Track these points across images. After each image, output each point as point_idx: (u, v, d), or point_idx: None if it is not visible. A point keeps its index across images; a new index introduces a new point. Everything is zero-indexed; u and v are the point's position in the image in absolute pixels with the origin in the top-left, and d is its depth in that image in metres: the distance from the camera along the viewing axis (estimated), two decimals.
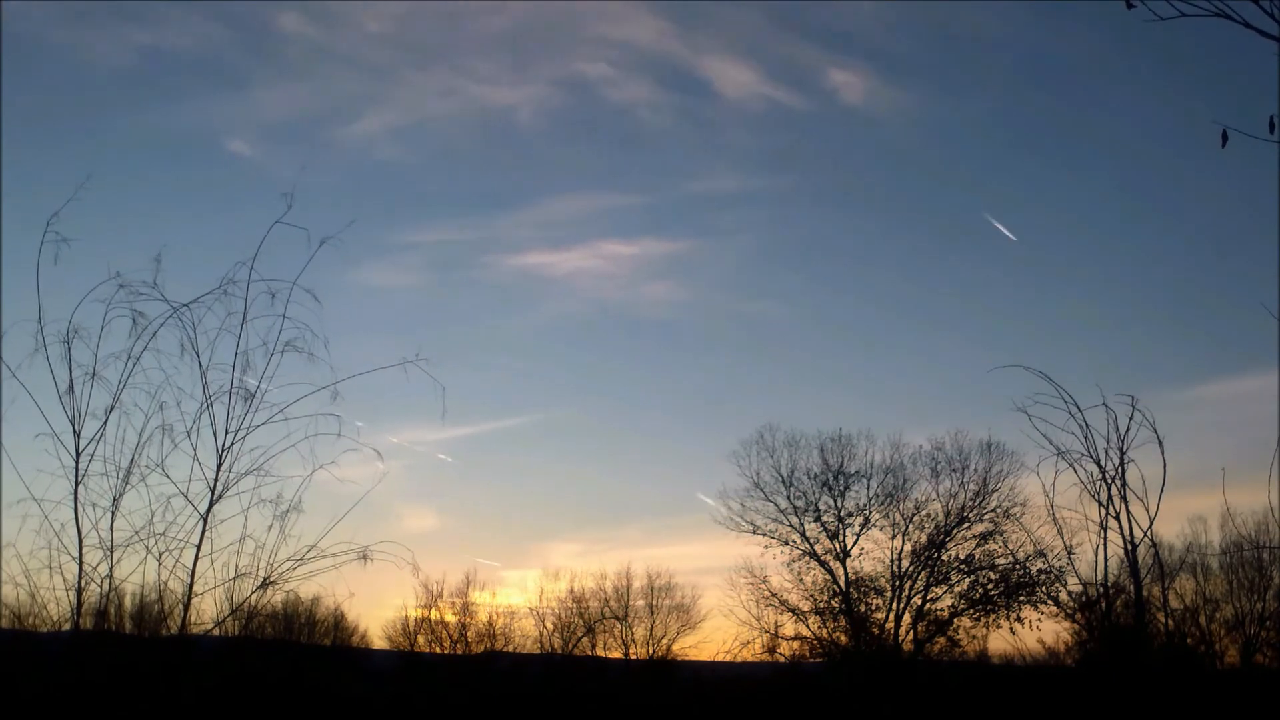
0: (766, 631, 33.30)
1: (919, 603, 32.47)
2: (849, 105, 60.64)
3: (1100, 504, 16.46)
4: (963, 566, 32.33)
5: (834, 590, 32.94)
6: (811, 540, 33.38)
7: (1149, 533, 16.34)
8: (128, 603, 9.47)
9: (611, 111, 62.25)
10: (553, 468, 61.95)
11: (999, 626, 31.45)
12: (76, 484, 8.35)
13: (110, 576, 8.46)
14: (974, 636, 32.37)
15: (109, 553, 8.42)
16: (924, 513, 33.06)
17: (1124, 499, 16.20)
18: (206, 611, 8.75)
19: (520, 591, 41.19)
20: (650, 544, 68.56)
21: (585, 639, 41.61)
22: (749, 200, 65.68)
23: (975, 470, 32.74)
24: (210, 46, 58.64)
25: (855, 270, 69.35)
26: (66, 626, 8.61)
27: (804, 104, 62.20)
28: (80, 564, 8.35)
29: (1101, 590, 18.15)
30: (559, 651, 41.31)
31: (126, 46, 56.53)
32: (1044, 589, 30.24)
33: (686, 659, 41.43)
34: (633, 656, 41.63)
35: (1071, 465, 16.55)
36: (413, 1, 59.36)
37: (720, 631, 62.59)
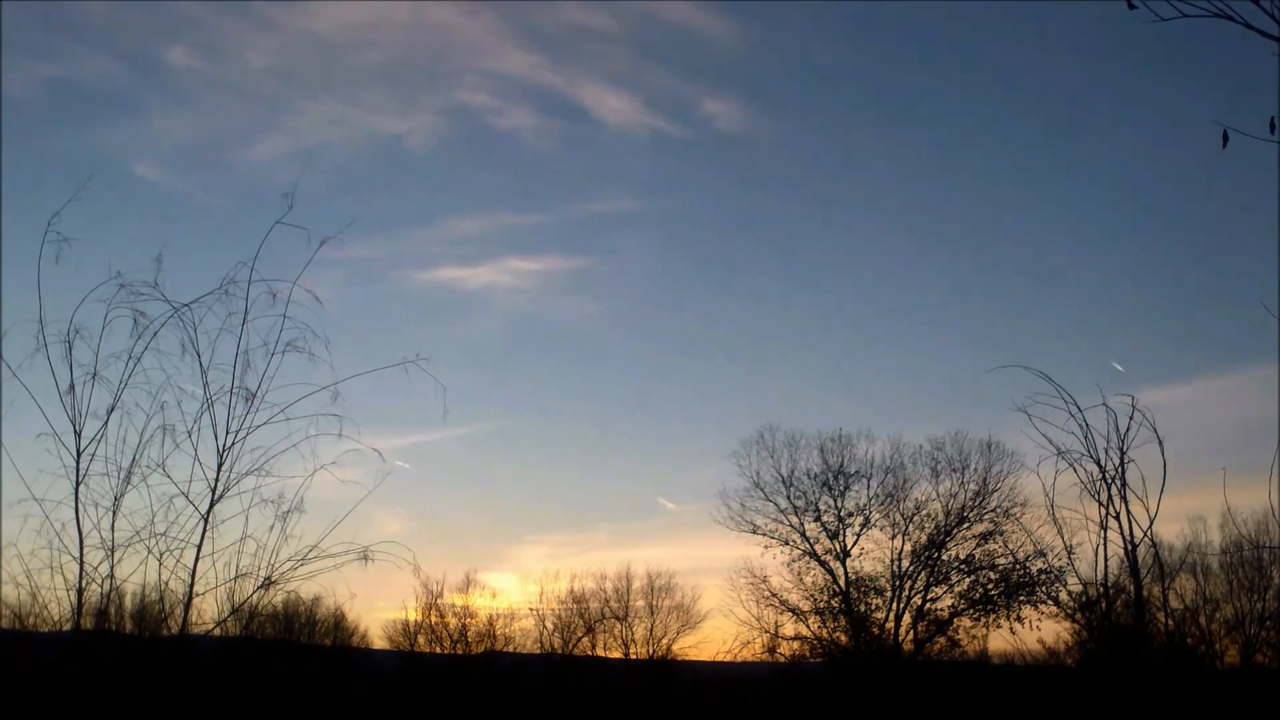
0: (766, 631, 33.34)
1: (919, 603, 32.49)
2: (726, 132, 63.38)
3: (1100, 504, 16.46)
4: (963, 566, 32.33)
5: (834, 590, 32.94)
6: (811, 540, 33.43)
7: (1149, 533, 16.35)
8: (128, 603, 9.49)
9: (499, 138, 64.89)
10: (507, 473, 63.66)
11: (999, 626, 31.50)
12: (77, 484, 8.35)
13: (111, 576, 8.46)
14: (974, 636, 32.41)
15: (110, 553, 8.42)
16: (924, 513, 33.09)
17: (1124, 499, 16.22)
18: (207, 611, 8.76)
19: (493, 595, 41.48)
20: (618, 546, 70.12)
21: (585, 639, 41.66)
22: (643, 218, 69.68)
23: (975, 470, 32.79)
24: (108, 78, 60.77)
25: (855, 270, 69.29)
26: (67, 626, 8.61)
27: (683, 131, 64.56)
28: (81, 564, 8.35)
29: (1101, 590, 18.16)
30: (559, 651, 41.33)
31: (35, 78, 58.44)
32: (1044, 589, 30.26)
33: (686, 659, 41.51)
34: (633, 656, 41.67)
35: (1071, 465, 16.57)
36: (289, 37, 61.19)
37: (720, 631, 62.75)
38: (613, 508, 62.15)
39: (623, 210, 68.67)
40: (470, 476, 61.18)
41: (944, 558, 32.51)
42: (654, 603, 41.77)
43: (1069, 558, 20.84)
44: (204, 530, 8.59)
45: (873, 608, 32.84)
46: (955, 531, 32.55)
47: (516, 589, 40.32)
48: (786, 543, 33.48)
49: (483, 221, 69.11)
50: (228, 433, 8.67)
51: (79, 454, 8.38)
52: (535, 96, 68.22)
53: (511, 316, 66.31)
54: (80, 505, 8.34)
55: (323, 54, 64.74)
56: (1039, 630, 30.79)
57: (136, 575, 8.59)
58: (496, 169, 65.52)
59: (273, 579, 8.73)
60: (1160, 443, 15.71)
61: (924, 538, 32.76)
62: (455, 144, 66.05)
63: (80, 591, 8.37)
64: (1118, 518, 16.35)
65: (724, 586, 36.16)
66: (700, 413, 66.10)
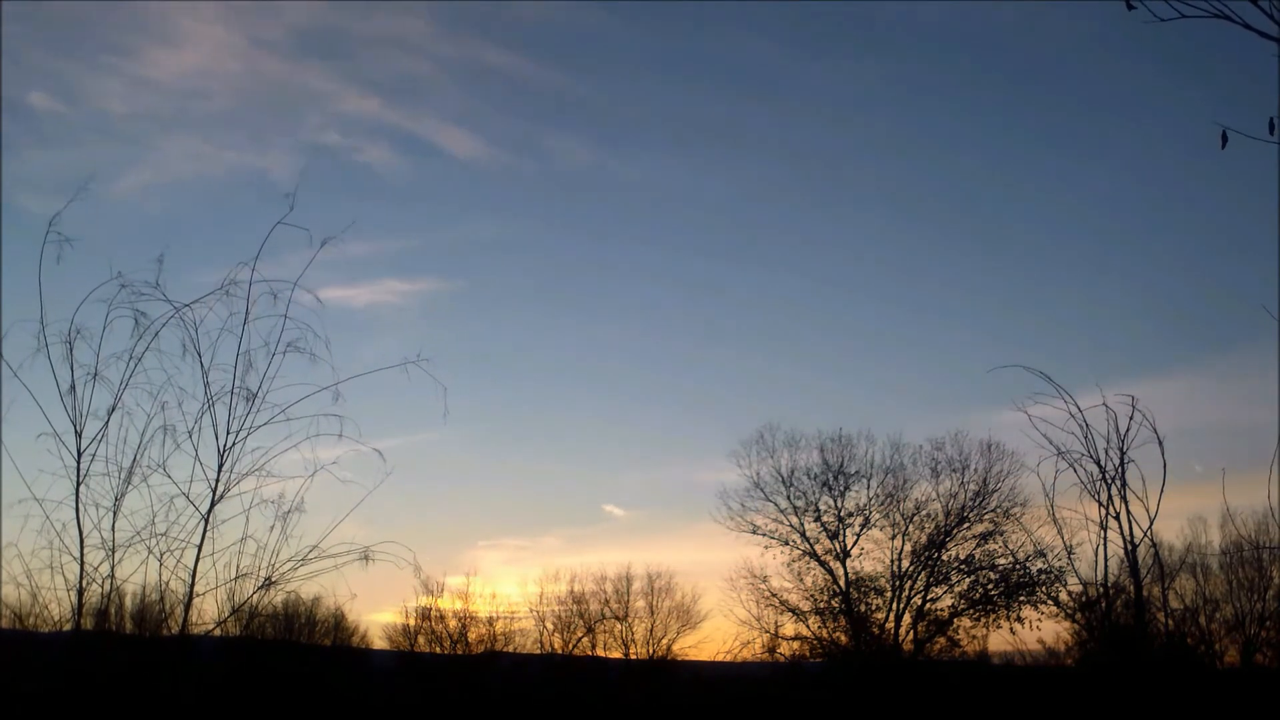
0: (766, 631, 33.35)
1: (919, 603, 32.49)
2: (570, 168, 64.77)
3: (1100, 504, 16.47)
4: (963, 566, 32.34)
5: (834, 590, 32.95)
6: (811, 540, 33.43)
7: (1149, 533, 16.36)
8: (129, 603, 9.50)
9: (357, 170, 67.34)
10: (455, 480, 64.34)
11: (999, 626, 31.50)
12: (78, 484, 8.36)
13: (112, 576, 8.47)
14: (974, 636, 32.41)
15: (110, 553, 8.43)
16: (924, 513, 33.09)
17: (1124, 499, 16.23)
18: (208, 612, 8.77)
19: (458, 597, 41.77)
20: (568, 552, 71.96)
21: (585, 639, 41.65)
22: (510, 243, 72.39)
23: (975, 470, 32.78)
24: None
25: (854, 270, 69.28)
26: (68, 626, 8.61)
27: (530, 166, 67.76)
28: (82, 564, 8.36)
29: (1101, 590, 18.16)
30: (559, 651, 41.33)
31: None
32: (1044, 589, 30.27)
33: (686, 659, 41.51)
34: (633, 656, 41.67)
35: (1071, 465, 16.58)
36: (135, 83, 64.27)
37: (720, 631, 62.85)
38: (563, 513, 62.89)
39: (490, 235, 71.41)
40: (419, 482, 61.40)
41: (944, 558, 32.53)
42: (654, 603, 41.81)
43: (1069, 558, 20.86)
44: (204, 530, 8.60)
45: (873, 608, 32.89)
46: (955, 531, 32.56)
47: (478, 591, 40.39)
48: (786, 543, 33.53)
49: (356, 246, 69.89)
50: (228, 433, 8.69)
51: (80, 454, 8.39)
52: (385, 134, 70.42)
53: (400, 336, 67.58)
54: (81, 505, 8.35)
55: (170, 99, 67.12)
56: (1039, 630, 30.85)
57: (137, 575, 8.61)
58: (364, 198, 66.27)
59: (273, 579, 8.74)
60: (1160, 442, 15.72)
61: (924, 538, 32.79)
62: (315, 176, 67.63)
63: (81, 591, 8.38)
64: (1118, 518, 16.36)
65: (692, 586, 36.21)
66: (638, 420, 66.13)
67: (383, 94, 72.02)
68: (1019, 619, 30.91)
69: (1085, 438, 16.47)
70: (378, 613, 47.03)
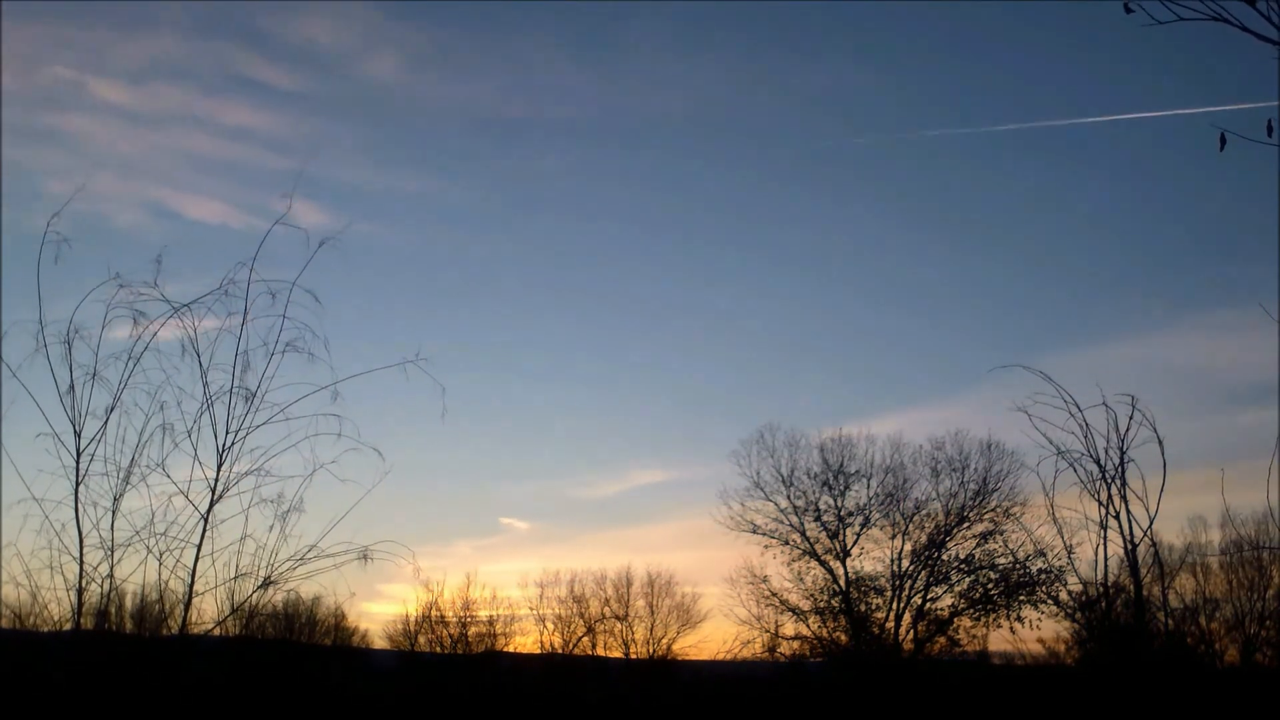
0: (767, 631, 33.36)
1: (919, 602, 32.49)
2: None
3: (1100, 504, 16.51)
4: (963, 566, 32.34)
5: (834, 590, 32.96)
6: (811, 540, 33.42)
7: (1149, 532, 16.39)
8: (128, 602, 9.51)
9: (111, 232, 64.95)
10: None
11: (999, 626, 31.48)
12: (77, 484, 8.37)
13: (111, 576, 8.49)
14: (974, 636, 32.39)
15: (110, 552, 8.44)
16: (924, 512, 33.08)
17: (1124, 499, 16.26)
18: (207, 611, 8.79)
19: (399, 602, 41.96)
20: (477, 561, 71.50)
21: (585, 639, 41.68)
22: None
23: (975, 470, 32.77)
24: None
25: (853, 270, 69.31)
26: (67, 626, 8.63)
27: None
28: (81, 564, 8.37)
29: (1101, 590, 18.19)
30: (559, 651, 41.36)
31: None
32: (1044, 589, 30.26)
33: (687, 659, 41.54)
34: (633, 656, 41.69)
35: (1071, 465, 16.62)
36: None
37: (720, 631, 62.97)
38: (466, 524, 63.01)
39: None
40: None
41: (944, 557, 32.53)
42: (654, 603, 41.84)
43: (1069, 557, 20.90)
44: (204, 530, 8.62)
45: (873, 607, 32.88)
46: (955, 531, 32.56)
47: (416, 596, 40.64)
48: (786, 542, 33.54)
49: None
50: (227, 432, 8.71)
51: (79, 454, 8.41)
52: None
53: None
54: (80, 505, 8.37)
55: None
56: (1039, 630, 30.84)
57: (136, 575, 8.63)
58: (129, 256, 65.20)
59: (272, 578, 8.76)
60: (1160, 442, 15.76)
61: (924, 537, 32.79)
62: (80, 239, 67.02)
63: (80, 591, 8.39)
64: (1117, 517, 16.40)
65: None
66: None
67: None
68: (1019, 619, 30.90)
69: (1085, 438, 16.51)
70: (377, 607, 47.17)
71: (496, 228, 71.28)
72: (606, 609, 41.55)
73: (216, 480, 8.62)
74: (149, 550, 8.54)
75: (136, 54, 57.99)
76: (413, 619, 41.43)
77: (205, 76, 63.06)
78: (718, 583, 67.69)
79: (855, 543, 33.07)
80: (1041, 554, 29.18)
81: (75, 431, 8.43)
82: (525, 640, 42.20)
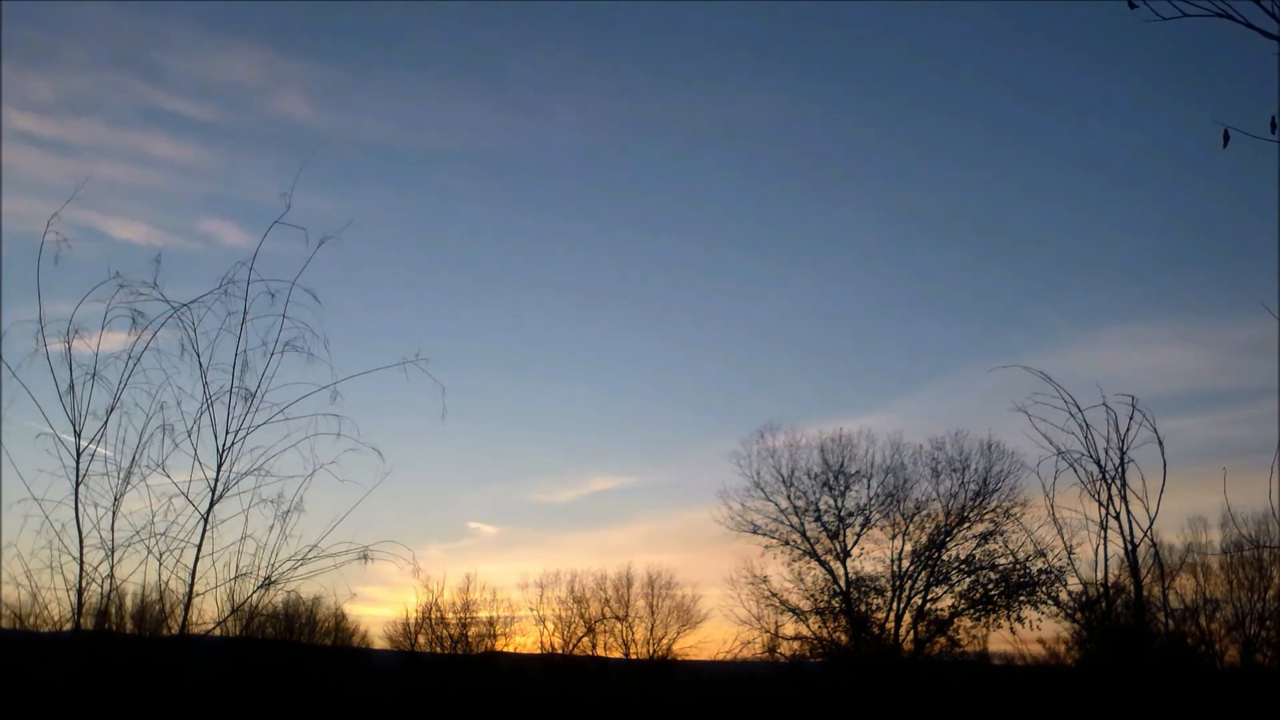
0: (766, 631, 33.35)
1: (919, 603, 32.48)
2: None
3: (1100, 504, 16.52)
4: (963, 566, 32.33)
5: (834, 590, 32.95)
6: (812, 540, 33.41)
7: (1149, 532, 16.39)
8: (129, 602, 9.50)
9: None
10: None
11: (999, 626, 31.47)
12: (77, 484, 8.36)
13: (111, 576, 8.47)
14: (974, 636, 32.37)
15: (110, 553, 8.43)
16: (924, 513, 33.05)
17: (1124, 499, 16.26)
18: (207, 611, 8.77)
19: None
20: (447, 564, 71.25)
21: (585, 639, 41.68)
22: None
23: (975, 470, 32.75)
24: None
25: (853, 269, 69.35)
26: (67, 626, 8.61)
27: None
28: (81, 564, 8.36)
29: (1101, 590, 18.19)
30: (559, 651, 41.36)
31: None
32: (1044, 589, 30.25)
33: (687, 659, 41.52)
34: (633, 656, 41.69)
35: (1071, 465, 16.63)
36: None
37: (720, 631, 63.00)
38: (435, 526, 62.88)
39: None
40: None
41: (944, 558, 32.52)
42: (654, 603, 41.83)
43: (1069, 558, 20.88)
44: (204, 530, 8.60)
45: (873, 608, 32.86)
46: (955, 531, 32.55)
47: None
48: (787, 543, 33.53)
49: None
50: (227, 432, 8.69)
51: (79, 454, 8.40)
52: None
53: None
54: (80, 505, 8.35)
55: None
56: (1039, 630, 30.85)
57: (136, 575, 8.62)
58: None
59: (273, 579, 8.75)
60: (1160, 442, 15.76)
61: (924, 538, 32.78)
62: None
63: (80, 591, 8.38)
64: (1117, 517, 16.40)
65: None
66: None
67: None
68: (1019, 619, 30.90)
69: (1085, 438, 16.52)
70: (377, 610, 47.14)
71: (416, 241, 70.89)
72: (606, 609, 41.59)
73: (216, 480, 8.62)
74: (149, 550, 8.54)
75: (43, 88, 58.09)
76: (412, 619, 41.49)
77: (115, 109, 63.03)
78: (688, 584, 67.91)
79: (855, 543, 33.09)
80: (1042, 554, 29.19)
81: (75, 431, 8.43)
82: (525, 640, 42.27)
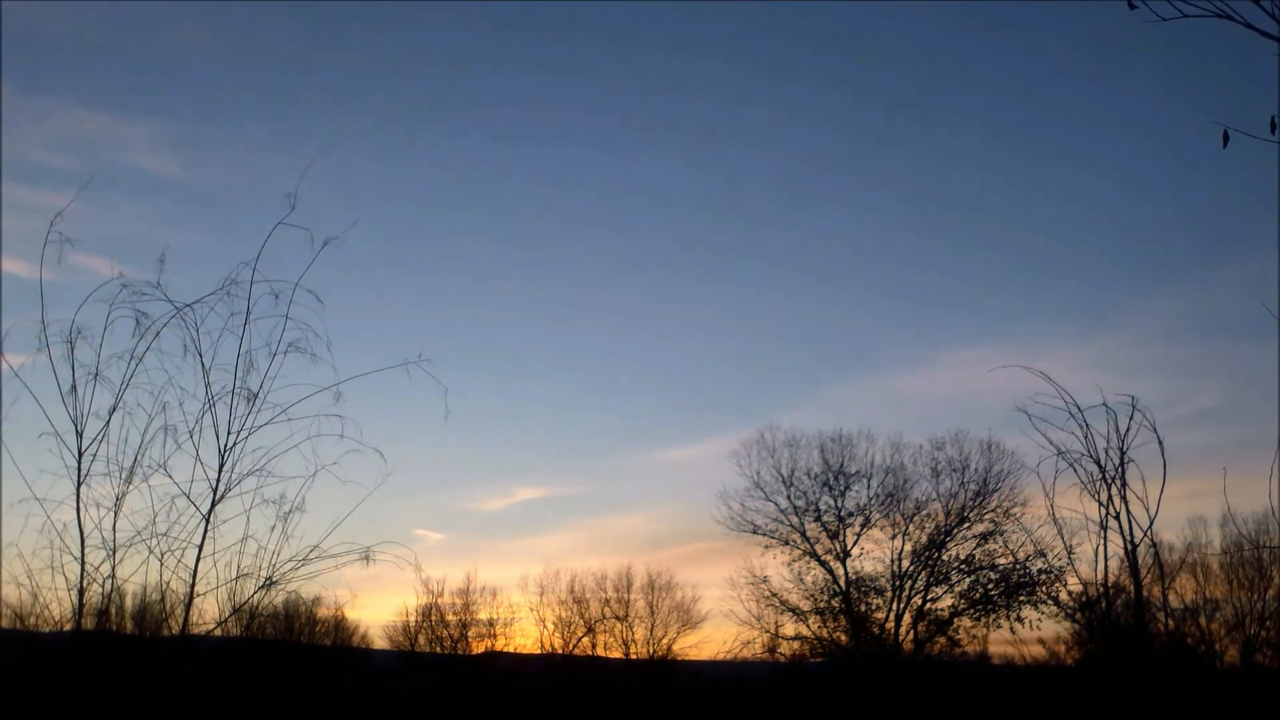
0: (766, 631, 33.37)
1: (919, 603, 32.51)
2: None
3: (1100, 504, 16.53)
4: (963, 566, 32.35)
5: (834, 590, 32.96)
6: (812, 540, 33.43)
7: (1149, 533, 16.40)
8: (129, 603, 9.50)
9: None
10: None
11: (999, 626, 31.51)
12: (79, 484, 8.36)
13: (112, 576, 8.47)
14: (974, 636, 32.41)
15: (111, 553, 8.43)
16: (924, 513, 33.08)
17: (1124, 499, 16.27)
18: (208, 612, 8.77)
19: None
20: (397, 571, 71.08)
21: (585, 639, 41.68)
22: None
23: (975, 470, 32.78)
24: None
25: (852, 268, 69.36)
26: (68, 626, 8.62)
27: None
28: (82, 564, 8.36)
29: (1101, 590, 18.19)
30: (559, 651, 41.36)
31: None
32: (1044, 589, 30.27)
33: (687, 659, 41.51)
34: (633, 656, 41.69)
35: (1071, 465, 16.65)
36: None
37: (720, 631, 63.02)
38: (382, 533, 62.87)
39: None
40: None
41: (944, 558, 32.54)
42: (654, 603, 41.82)
43: (1069, 558, 20.92)
44: (205, 530, 8.60)
45: (873, 608, 32.89)
46: (955, 531, 32.57)
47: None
48: (787, 543, 33.55)
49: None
50: (229, 433, 8.68)
51: (80, 454, 8.39)
52: None
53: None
54: (82, 505, 8.35)
55: None
56: (1039, 630, 30.88)
57: (138, 575, 8.61)
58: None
59: (274, 579, 8.74)
60: (1160, 443, 15.78)
61: (924, 537, 32.80)
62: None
63: (81, 591, 8.38)
64: (1117, 517, 16.41)
65: None
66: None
67: None
68: (1019, 619, 30.94)
69: (1085, 438, 16.53)
70: (377, 615, 47.13)
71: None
72: (606, 609, 41.58)
73: (218, 481, 8.61)
74: (150, 551, 8.54)
75: None
76: (413, 619, 41.50)
77: None
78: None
79: (855, 543, 33.12)
80: (1041, 554, 29.20)
81: (77, 432, 8.42)
82: (525, 640, 42.27)
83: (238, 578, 8.69)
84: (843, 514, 33.26)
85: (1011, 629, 31.01)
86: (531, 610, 41.72)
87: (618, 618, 41.51)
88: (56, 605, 8.56)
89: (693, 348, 68.48)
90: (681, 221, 71.13)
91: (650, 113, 69.97)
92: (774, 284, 68.69)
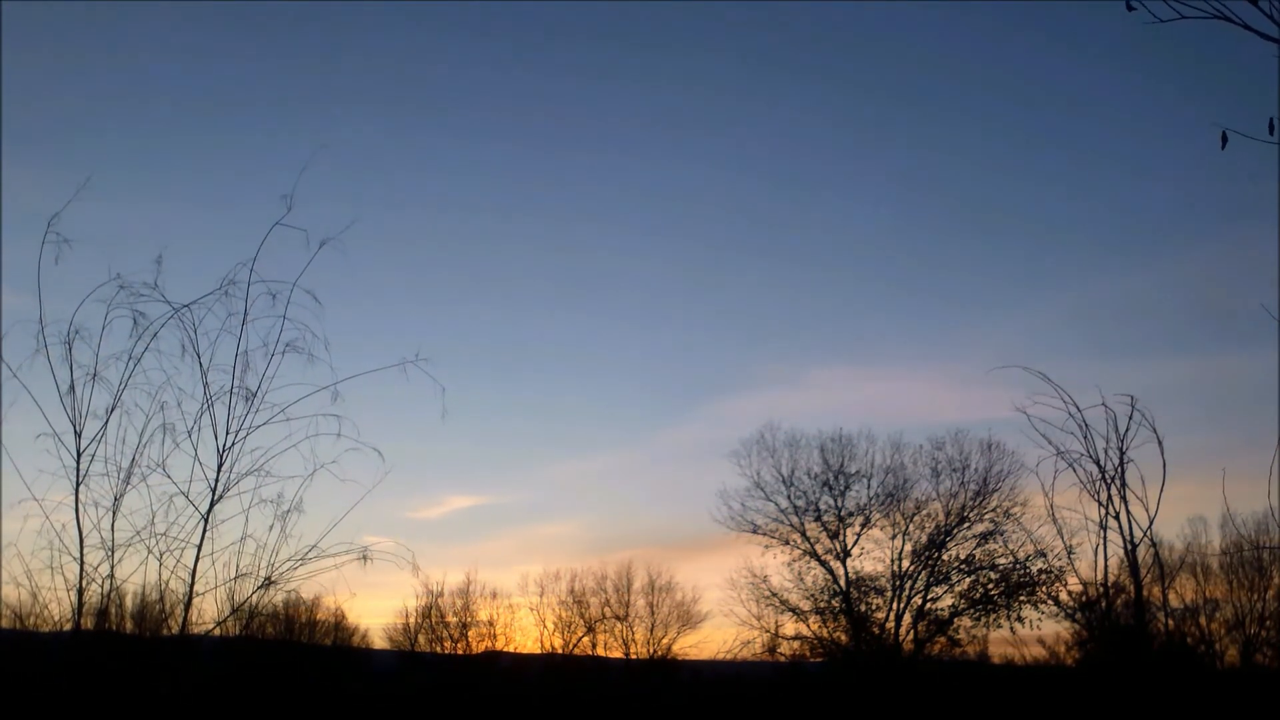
0: (766, 631, 33.37)
1: (919, 602, 32.50)
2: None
3: (1100, 504, 16.52)
4: (963, 566, 32.34)
5: (834, 590, 32.96)
6: (812, 540, 33.42)
7: (1149, 533, 16.39)
8: (129, 603, 9.50)
9: None
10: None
11: (999, 626, 31.51)
12: (78, 484, 8.36)
13: (111, 576, 8.47)
14: (974, 636, 32.42)
15: (110, 553, 8.43)
16: (924, 512, 33.07)
17: (1124, 499, 16.26)
18: (207, 611, 8.77)
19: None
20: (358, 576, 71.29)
21: (585, 639, 41.68)
22: None
23: (975, 470, 32.76)
24: None
25: (852, 267, 69.35)
26: (68, 626, 8.61)
27: None
28: (81, 564, 8.36)
29: (1101, 590, 18.19)
30: (559, 651, 41.36)
31: None
32: (1044, 589, 30.28)
33: (687, 659, 41.51)
34: (633, 656, 41.68)
35: (1071, 465, 16.64)
36: None
37: (720, 631, 63.02)
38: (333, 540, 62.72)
39: None
40: None
41: (944, 558, 32.53)
42: (654, 603, 41.82)
43: (1069, 558, 20.90)
44: (204, 530, 8.60)
45: (873, 607, 32.88)
46: (955, 531, 32.56)
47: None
48: (787, 542, 33.55)
49: None
50: (227, 433, 8.68)
51: (79, 454, 8.39)
52: None
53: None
54: (80, 505, 8.35)
55: None
56: (1039, 630, 30.89)
57: (137, 575, 8.61)
58: None
59: (273, 579, 8.74)
60: (1160, 443, 15.77)
61: (924, 538, 32.79)
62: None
63: (80, 591, 8.38)
64: (1117, 517, 16.40)
65: None
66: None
67: None
68: (1019, 619, 30.94)
69: (1085, 438, 16.53)
70: (378, 618, 47.08)
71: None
72: (606, 609, 41.58)
73: (217, 480, 8.62)
74: (149, 550, 8.54)
75: None
76: (412, 619, 41.49)
77: None
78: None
79: (855, 543, 33.12)
80: (1041, 554, 29.24)
81: (76, 432, 8.42)
82: (525, 640, 42.26)
83: (237, 577, 8.69)
84: (843, 514, 33.27)
85: (1011, 629, 31.05)
86: (532, 610, 41.79)
87: (618, 617, 41.54)
88: (56, 605, 8.56)
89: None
90: (681, 221, 71.35)
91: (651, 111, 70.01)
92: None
